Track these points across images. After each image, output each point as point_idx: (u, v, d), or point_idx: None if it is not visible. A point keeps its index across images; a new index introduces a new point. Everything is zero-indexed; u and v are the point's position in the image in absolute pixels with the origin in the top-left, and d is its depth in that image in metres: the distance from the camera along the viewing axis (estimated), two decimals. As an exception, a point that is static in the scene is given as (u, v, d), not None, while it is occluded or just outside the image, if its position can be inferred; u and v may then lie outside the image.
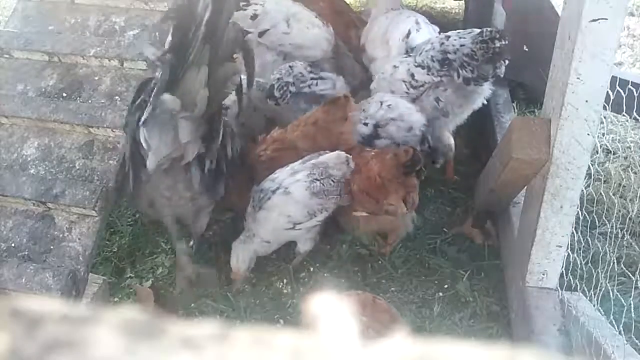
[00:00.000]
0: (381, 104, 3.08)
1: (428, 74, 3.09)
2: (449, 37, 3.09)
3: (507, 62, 2.96)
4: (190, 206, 2.68)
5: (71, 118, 2.44)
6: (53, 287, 2.15)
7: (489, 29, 2.98)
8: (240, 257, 2.77)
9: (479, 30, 2.98)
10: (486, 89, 3.15)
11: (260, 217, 2.74)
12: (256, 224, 2.75)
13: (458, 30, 3.16)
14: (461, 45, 2.99)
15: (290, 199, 2.69)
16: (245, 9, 3.33)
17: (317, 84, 3.28)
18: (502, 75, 3.03)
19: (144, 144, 2.32)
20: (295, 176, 2.72)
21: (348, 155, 2.76)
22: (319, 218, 2.75)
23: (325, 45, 3.57)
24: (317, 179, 2.69)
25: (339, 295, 0.49)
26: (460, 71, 3.00)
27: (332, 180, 2.70)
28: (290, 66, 3.27)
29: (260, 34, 3.43)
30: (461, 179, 3.48)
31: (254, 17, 3.41)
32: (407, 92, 3.17)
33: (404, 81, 3.17)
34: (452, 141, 3.34)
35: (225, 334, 0.43)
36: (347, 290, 2.56)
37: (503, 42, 2.90)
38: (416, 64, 3.14)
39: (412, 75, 3.14)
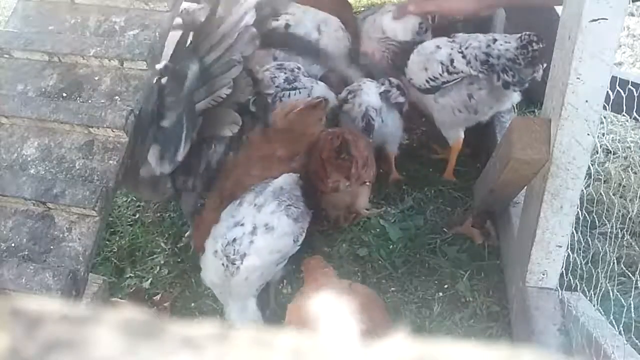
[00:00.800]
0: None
1: (467, 66, 3.12)
2: (495, 40, 3.12)
3: (544, 65, 2.98)
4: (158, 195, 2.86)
5: (71, 118, 2.44)
6: (53, 287, 2.15)
7: (527, 32, 3.02)
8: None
9: (518, 35, 3.02)
10: (517, 94, 3.19)
11: (249, 267, 2.40)
12: (243, 279, 2.41)
13: (505, 35, 3.19)
14: (505, 50, 3.03)
15: (276, 233, 2.46)
16: (277, 20, 3.52)
17: (289, 96, 3.27)
18: (539, 79, 3.04)
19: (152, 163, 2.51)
20: (265, 209, 2.49)
21: (297, 175, 2.73)
22: (300, 242, 2.58)
23: (346, 51, 3.75)
24: (289, 205, 2.53)
25: (319, 289, 0.49)
26: (501, 75, 3.02)
27: (300, 201, 2.60)
28: (271, 78, 3.30)
29: None
30: (461, 179, 3.49)
31: (287, 27, 3.63)
32: (439, 75, 3.21)
33: (442, 63, 3.20)
34: (462, 135, 3.39)
35: (225, 334, 0.43)
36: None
37: (541, 45, 2.94)
38: (459, 52, 3.16)
39: (452, 61, 3.17)
